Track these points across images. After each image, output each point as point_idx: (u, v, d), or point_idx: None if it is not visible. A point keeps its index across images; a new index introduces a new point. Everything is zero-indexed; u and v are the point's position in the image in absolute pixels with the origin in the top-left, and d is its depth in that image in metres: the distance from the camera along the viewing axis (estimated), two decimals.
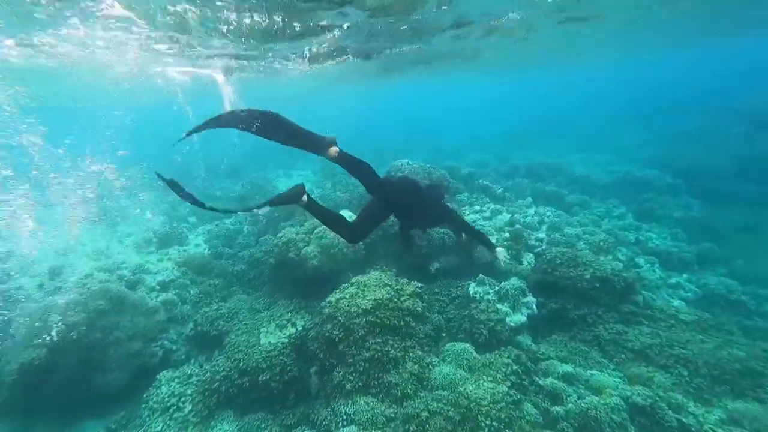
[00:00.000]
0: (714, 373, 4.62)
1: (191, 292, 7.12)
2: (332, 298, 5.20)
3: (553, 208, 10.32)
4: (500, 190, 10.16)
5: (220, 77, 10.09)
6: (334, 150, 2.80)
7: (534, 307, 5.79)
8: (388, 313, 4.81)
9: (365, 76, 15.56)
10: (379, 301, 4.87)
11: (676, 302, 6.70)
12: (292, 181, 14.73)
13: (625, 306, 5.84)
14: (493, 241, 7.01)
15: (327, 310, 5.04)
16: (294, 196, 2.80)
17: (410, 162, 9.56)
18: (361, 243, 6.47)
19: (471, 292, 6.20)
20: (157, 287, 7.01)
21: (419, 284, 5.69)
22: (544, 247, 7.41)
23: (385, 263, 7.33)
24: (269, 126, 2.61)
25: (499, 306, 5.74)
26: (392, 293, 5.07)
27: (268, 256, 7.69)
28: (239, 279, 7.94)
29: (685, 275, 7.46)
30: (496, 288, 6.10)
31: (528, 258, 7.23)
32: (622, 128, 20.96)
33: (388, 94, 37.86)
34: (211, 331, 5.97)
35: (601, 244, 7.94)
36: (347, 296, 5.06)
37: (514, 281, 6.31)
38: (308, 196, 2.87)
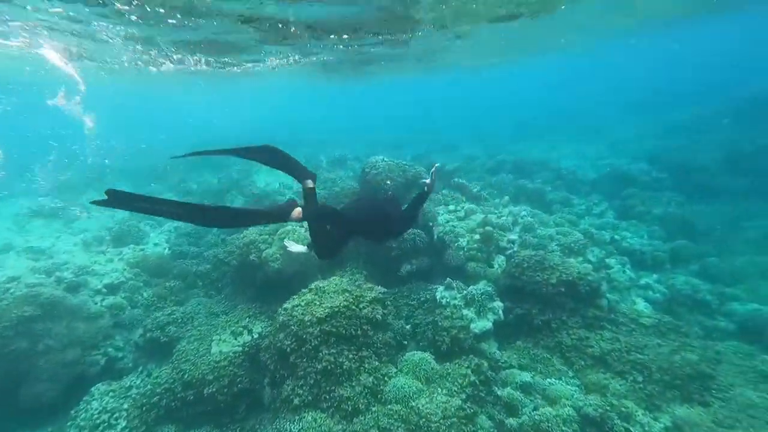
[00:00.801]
0: (666, 378, 4.63)
1: (144, 294, 6.65)
2: (288, 305, 4.89)
3: (531, 207, 10.20)
4: (476, 189, 9.98)
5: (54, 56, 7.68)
6: (297, 212, 2.44)
7: (501, 312, 5.65)
8: (344, 322, 4.56)
9: (371, 70, 14.49)
10: (336, 309, 4.60)
11: (641, 305, 6.68)
12: (272, 176, 14.15)
13: (590, 310, 5.78)
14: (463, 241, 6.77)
15: (281, 318, 4.74)
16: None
17: (385, 159, 9.23)
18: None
19: (438, 297, 6.03)
20: (104, 290, 6.49)
21: (382, 289, 5.45)
22: (515, 249, 7.31)
23: (356, 265, 7.07)
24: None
25: (464, 312, 5.59)
26: (351, 300, 4.81)
27: (231, 258, 7.28)
28: (203, 280, 7.51)
29: (655, 275, 7.36)
30: (464, 292, 5.94)
31: (499, 260, 7.10)
32: (621, 119, 20.39)
33: (398, 90, 36.79)
34: (161, 337, 5.58)
35: (573, 245, 7.88)
36: (302, 303, 4.77)
37: (482, 285, 6.16)
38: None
